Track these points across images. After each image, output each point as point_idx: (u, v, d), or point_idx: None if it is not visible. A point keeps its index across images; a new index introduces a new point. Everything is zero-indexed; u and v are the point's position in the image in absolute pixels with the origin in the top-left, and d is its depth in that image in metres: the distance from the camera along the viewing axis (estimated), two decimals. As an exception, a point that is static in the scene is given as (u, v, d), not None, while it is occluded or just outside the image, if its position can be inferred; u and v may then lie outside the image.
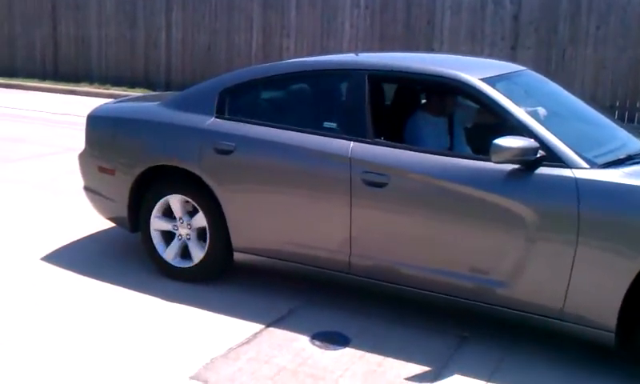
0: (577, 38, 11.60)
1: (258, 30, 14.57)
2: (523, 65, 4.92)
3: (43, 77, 16.97)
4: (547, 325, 3.51)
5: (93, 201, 5.00)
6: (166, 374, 3.36)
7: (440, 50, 12.70)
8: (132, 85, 15.62)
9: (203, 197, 4.34)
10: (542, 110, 3.93)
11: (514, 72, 4.37)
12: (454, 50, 12.56)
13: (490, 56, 11.94)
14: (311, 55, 13.01)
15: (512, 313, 3.58)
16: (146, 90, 15.00)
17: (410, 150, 3.86)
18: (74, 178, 6.81)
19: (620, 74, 11.37)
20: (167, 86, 15.35)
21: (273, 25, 14.39)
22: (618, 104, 11.43)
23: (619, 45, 11.28)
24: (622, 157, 3.64)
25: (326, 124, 4.15)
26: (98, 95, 14.83)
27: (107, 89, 15.36)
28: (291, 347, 3.65)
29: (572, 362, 3.58)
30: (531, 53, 11.90)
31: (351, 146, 3.92)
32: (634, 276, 3.23)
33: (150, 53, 15.81)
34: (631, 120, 11.27)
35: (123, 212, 4.70)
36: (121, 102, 5.35)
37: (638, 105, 11.27)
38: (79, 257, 4.93)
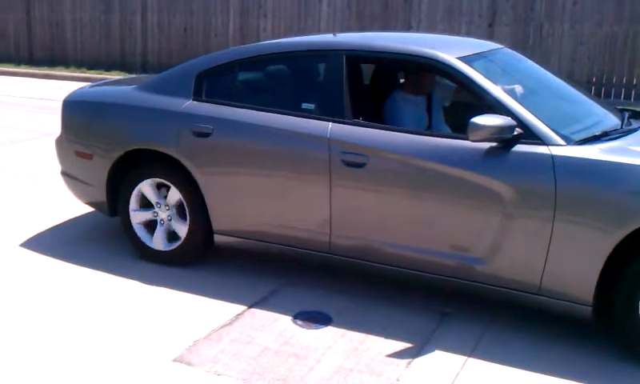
0: (553, 14, 11.65)
1: (235, 10, 14.46)
2: (501, 42, 4.94)
3: (18, 61, 16.76)
4: (526, 300, 3.56)
5: (70, 186, 4.96)
6: (149, 357, 3.36)
7: (418, 28, 12.70)
8: (108, 68, 15.48)
9: (182, 180, 4.33)
10: (518, 88, 3.96)
11: (491, 50, 4.38)
12: (431, 27, 12.56)
13: (468, 33, 11.97)
14: (289, 36, 12.96)
15: (492, 289, 3.63)
16: (122, 73, 14.86)
17: (389, 129, 3.87)
18: (52, 163, 6.76)
19: (596, 50, 11.44)
20: (144, 69, 15.23)
21: (250, 5, 14.29)
22: (594, 80, 11.51)
23: (595, 20, 11.34)
24: (597, 133, 3.68)
25: (305, 105, 4.14)
26: (74, 79, 14.69)
27: (83, 72, 15.20)
28: (273, 327, 3.67)
29: (551, 335, 3.63)
30: (508, 30, 11.94)
31: (330, 127, 3.92)
32: (610, 251, 3.28)
33: (126, 36, 15.65)
34: (608, 95, 11.37)
35: (102, 196, 4.67)
36: (97, 86, 5.30)
37: (614, 80, 11.36)
38: (58, 242, 4.90)
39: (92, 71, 15.25)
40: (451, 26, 12.39)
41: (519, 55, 4.65)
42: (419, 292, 4.07)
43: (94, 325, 3.69)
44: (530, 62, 4.63)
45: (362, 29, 12.98)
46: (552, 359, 3.40)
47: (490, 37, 11.62)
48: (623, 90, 11.30)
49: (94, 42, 16.04)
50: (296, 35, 12.64)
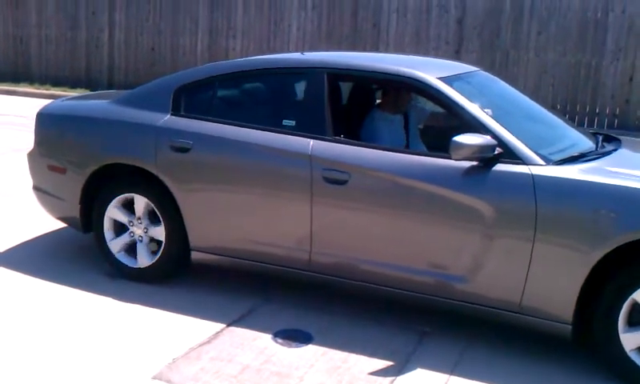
0: (519, 43, 11.88)
1: (204, 31, 14.42)
2: (468, 68, 5.00)
3: (-21, 77, 16.43)
4: (505, 318, 3.58)
5: (42, 201, 4.86)
6: (127, 374, 3.29)
7: (386, 52, 12.83)
8: (73, 85, 15.26)
9: (159, 195, 4.28)
10: (488, 111, 3.98)
11: (468, 72, 4.45)
12: (398, 52, 12.70)
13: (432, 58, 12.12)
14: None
15: (471, 307, 3.64)
16: (87, 90, 14.66)
17: (371, 147, 3.88)
18: (21, 179, 6.62)
19: (560, 78, 11.69)
20: (110, 87, 15.04)
21: (219, 26, 14.27)
22: (558, 107, 11.75)
23: (559, 50, 11.60)
24: (575, 154, 3.75)
25: (285, 122, 4.12)
26: (39, 95, 14.45)
27: (48, 89, 14.94)
28: (254, 345, 3.63)
29: (530, 353, 3.66)
30: (475, 56, 12.12)
31: (311, 144, 3.92)
32: (589, 270, 3.33)
33: (92, 53, 15.47)
34: (572, 122, 11.58)
35: (75, 212, 4.58)
36: (71, 99, 5.22)
37: (578, 108, 11.60)
38: (29, 258, 4.77)
39: (56, 88, 15.01)
40: (418, 51, 12.54)
41: (495, 77, 4.73)
42: (397, 311, 4.06)
43: (69, 342, 3.60)
44: (505, 84, 4.72)
45: (330, 51, 13.07)
46: (533, 378, 3.42)
47: (458, 63, 11.78)
48: (586, 118, 11.56)
49: (58, 59, 15.81)
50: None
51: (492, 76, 4.74)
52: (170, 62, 14.70)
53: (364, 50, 12.99)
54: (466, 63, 5.10)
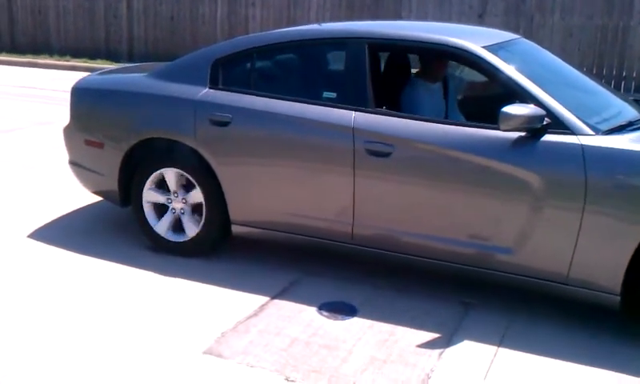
0: (544, 6, 11.70)
1: (223, -1, 14.32)
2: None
3: (-1, 49, 16.45)
4: (552, 289, 3.56)
5: (79, 175, 4.86)
6: (178, 349, 3.30)
7: (409, 19, 12.68)
8: (93, 56, 15.24)
9: (198, 169, 4.27)
10: None
11: (511, 40, 4.37)
12: (422, 18, 12.55)
13: (459, 24, 11.95)
14: (278, 25, 12.87)
15: (517, 278, 3.62)
16: (107, 61, 14.65)
17: (414, 119, 3.84)
18: (45, 153, 6.66)
19: (587, 42, 11.52)
20: (130, 57, 15.03)
21: (238, -6, 14.17)
22: (584, 71, 11.58)
23: (585, 12, 11.41)
24: (623, 123, 3.69)
25: (326, 94, 4.08)
26: (59, 67, 14.47)
27: (67, 61, 14.94)
28: (300, 318, 3.63)
29: (576, 324, 3.64)
30: (499, 20, 11.96)
31: (353, 116, 3.88)
32: (639, 240, 3.29)
33: (111, 24, 15.43)
34: (616, 90, 11.44)
35: (113, 186, 4.59)
36: (105, 73, 5.19)
37: (604, 72, 11.44)
38: (67, 234, 4.79)
39: (76, 59, 15.00)
40: (442, 16, 12.40)
41: (537, 45, 4.64)
42: (438, 282, 4.05)
43: (117, 318, 3.62)
44: (547, 52, 4.64)
45: (351, 19, 12.92)
46: (581, 349, 3.40)
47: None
48: (613, 81, 11.39)
49: (77, 30, 15.78)
50: (285, 25, 12.59)
51: (534, 44, 4.65)
52: (189, 31, 14.63)
53: (386, 16, 12.84)
54: (489, 27, 5.01)
